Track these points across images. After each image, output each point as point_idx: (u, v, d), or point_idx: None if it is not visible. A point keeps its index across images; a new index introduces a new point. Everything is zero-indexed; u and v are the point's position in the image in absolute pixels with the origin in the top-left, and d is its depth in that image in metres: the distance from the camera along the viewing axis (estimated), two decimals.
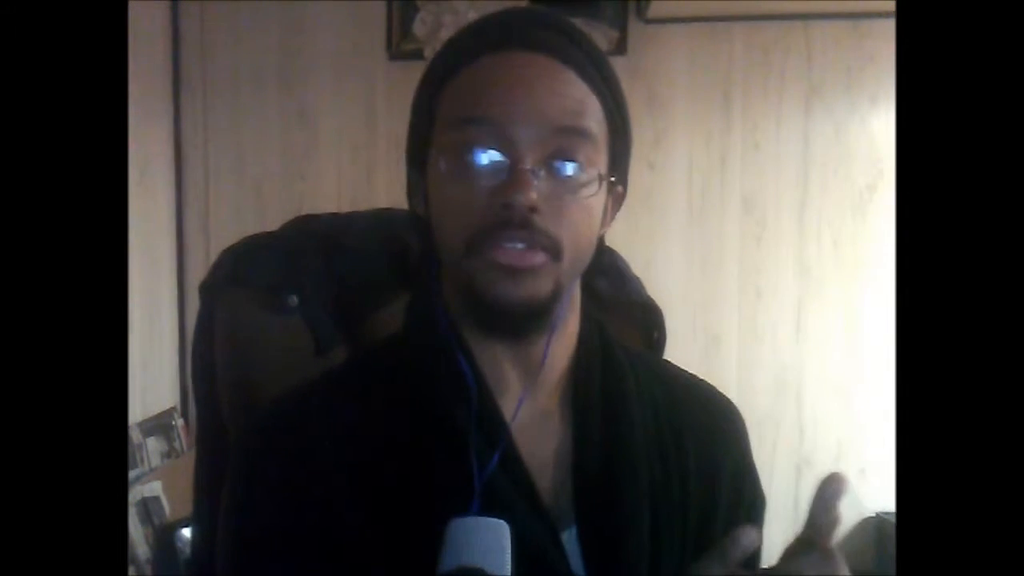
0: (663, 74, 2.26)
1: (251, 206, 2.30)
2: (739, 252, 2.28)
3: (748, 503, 0.74)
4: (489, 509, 0.59)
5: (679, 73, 2.26)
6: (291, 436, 0.65)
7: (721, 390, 0.78)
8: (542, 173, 0.62)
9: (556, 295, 0.64)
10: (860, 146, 2.24)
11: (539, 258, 0.62)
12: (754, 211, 2.28)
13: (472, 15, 2.15)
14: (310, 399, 0.68)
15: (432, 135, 0.66)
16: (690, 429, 0.72)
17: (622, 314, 0.85)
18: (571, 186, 0.63)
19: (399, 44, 2.22)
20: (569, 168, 0.63)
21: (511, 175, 0.61)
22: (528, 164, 0.61)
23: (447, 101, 0.65)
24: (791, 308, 2.28)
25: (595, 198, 0.64)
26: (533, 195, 0.60)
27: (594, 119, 0.65)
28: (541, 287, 0.62)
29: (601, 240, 0.71)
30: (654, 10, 2.16)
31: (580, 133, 0.63)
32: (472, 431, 0.63)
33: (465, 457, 0.61)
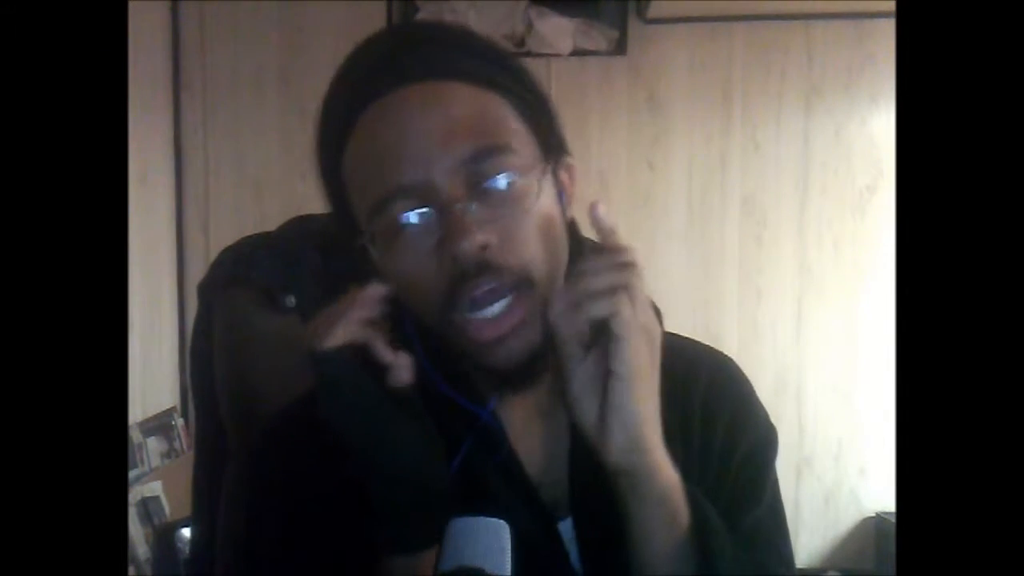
0: (663, 74, 2.26)
1: (251, 206, 2.30)
2: (739, 252, 2.29)
3: (746, 449, 0.69)
4: (486, 505, 0.59)
5: (679, 73, 2.27)
6: (297, 442, 0.64)
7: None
8: (476, 202, 0.57)
9: (546, 332, 0.59)
10: (860, 146, 2.25)
11: (518, 313, 0.58)
12: (754, 211, 2.28)
13: (472, 14, 2.16)
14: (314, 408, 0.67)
15: (350, 194, 0.62)
16: (691, 405, 0.69)
17: None
18: (511, 199, 0.58)
19: None
20: (501, 182, 0.58)
21: (447, 222, 0.56)
22: (460, 202, 0.56)
23: (352, 185, 0.61)
24: (791, 308, 2.28)
25: (543, 196, 0.60)
26: (476, 236, 0.56)
27: (507, 123, 0.60)
28: (531, 338, 0.59)
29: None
30: (654, 10, 2.16)
31: (499, 149, 0.58)
32: (471, 436, 0.62)
33: (464, 459, 0.61)
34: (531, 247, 0.59)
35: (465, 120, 0.58)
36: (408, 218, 0.57)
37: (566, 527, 0.64)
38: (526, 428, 0.66)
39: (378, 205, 0.58)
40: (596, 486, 0.62)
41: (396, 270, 0.59)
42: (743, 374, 0.74)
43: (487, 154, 0.58)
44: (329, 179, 0.64)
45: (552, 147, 0.63)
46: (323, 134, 0.63)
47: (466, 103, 0.59)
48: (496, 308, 0.58)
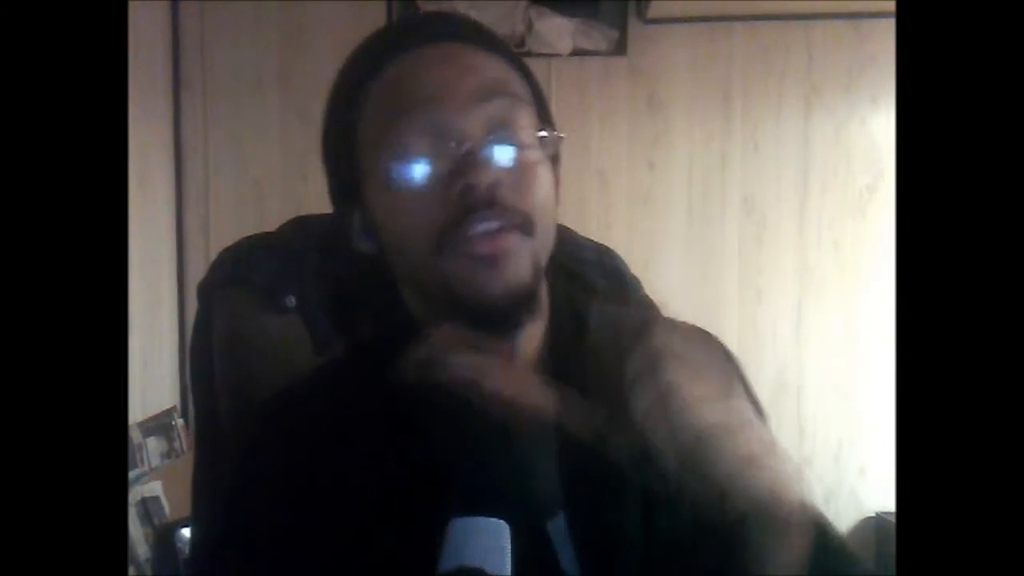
0: (663, 74, 2.26)
1: (251, 206, 2.30)
2: (739, 252, 2.29)
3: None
4: (473, 504, 0.59)
5: (679, 73, 2.27)
6: (287, 430, 0.64)
7: None
8: (490, 146, 0.61)
9: (537, 278, 0.62)
10: (860, 146, 2.25)
11: (514, 238, 0.60)
12: (754, 211, 2.28)
13: (472, 14, 2.15)
14: (305, 395, 0.67)
15: (360, 157, 0.65)
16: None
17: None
18: (522, 158, 0.62)
19: None
20: (513, 137, 0.62)
21: (463, 157, 0.59)
22: (476, 141, 0.60)
23: (371, 106, 0.64)
24: (791, 308, 2.28)
25: (544, 165, 0.64)
26: (492, 171, 0.59)
27: (516, 83, 0.65)
28: (521, 271, 0.61)
29: (604, 246, 0.71)
30: (654, 10, 2.16)
31: (512, 96, 0.63)
32: (460, 436, 0.62)
33: (451, 460, 0.61)
34: (536, 203, 0.62)
35: (483, 71, 0.63)
36: (423, 149, 0.60)
37: (555, 527, 0.64)
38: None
39: (393, 116, 0.61)
40: (588, 483, 0.62)
41: (398, 200, 0.62)
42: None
43: (502, 98, 0.62)
44: (338, 138, 0.67)
45: (541, 118, 0.67)
46: (342, 86, 0.68)
47: (483, 61, 0.64)
48: (496, 227, 0.60)
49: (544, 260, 0.65)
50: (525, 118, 0.63)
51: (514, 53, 0.68)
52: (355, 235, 0.69)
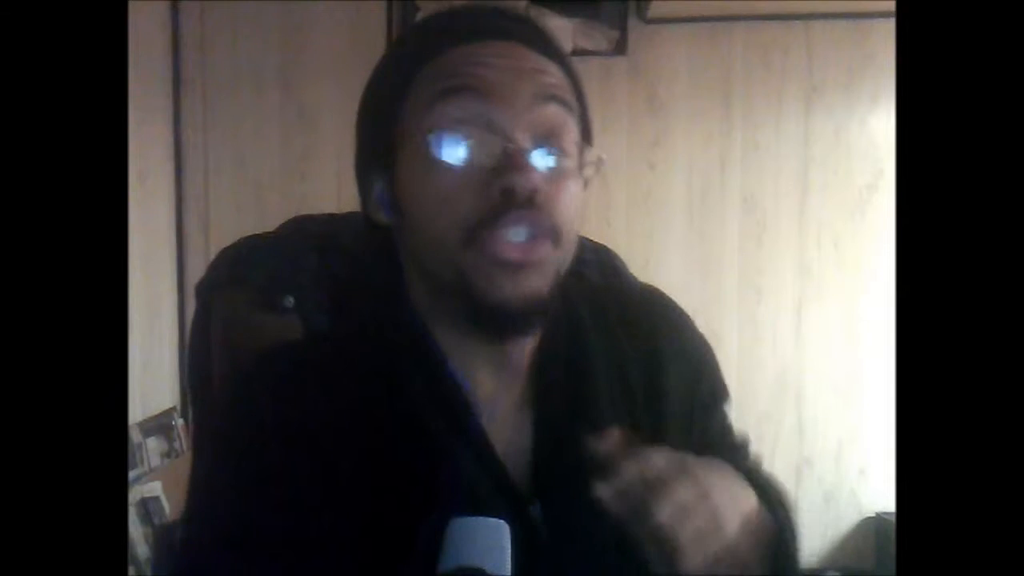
0: (663, 74, 2.26)
1: (251, 206, 2.30)
2: (739, 252, 2.28)
3: (701, 402, 0.72)
4: (460, 498, 0.59)
5: (679, 73, 2.26)
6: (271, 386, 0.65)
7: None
8: (535, 153, 0.60)
9: (554, 291, 0.62)
10: (860, 146, 2.24)
11: (544, 249, 0.60)
12: (754, 211, 2.28)
13: None
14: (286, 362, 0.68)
15: (397, 129, 0.64)
16: (655, 375, 0.69)
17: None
18: (562, 168, 0.62)
19: None
20: (559, 148, 0.62)
21: (507, 156, 0.59)
22: (523, 143, 0.60)
23: (425, 82, 0.63)
24: (791, 308, 2.28)
25: (578, 179, 0.64)
26: (535, 176, 0.59)
27: (569, 94, 0.65)
28: (543, 282, 0.61)
29: (604, 246, 0.71)
30: (654, 10, 2.16)
31: (564, 105, 0.63)
32: (451, 435, 0.62)
33: (439, 457, 0.61)
34: (567, 217, 0.62)
35: (542, 75, 0.63)
36: (468, 138, 0.60)
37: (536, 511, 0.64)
38: (503, 419, 0.66)
39: (441, 93, 0.61)
40: (561, 476, 0.62)
41: (432, 183, 0.61)
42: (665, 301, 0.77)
43: (556, 105, 0.62)
44: (380, 111, 0.66)
45: (584, 137, 0.67)
46: (396, 62, 0.67)
47: (544, 66, 0.64)
48: (526, 236, 0.59)
49: (563, 272, 0.65)
50: (572, 130, 0.63)
51: (570, 62, 0.68)
52: (372, 205, 0.68)
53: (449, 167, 0.60)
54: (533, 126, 0.61)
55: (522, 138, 0.60)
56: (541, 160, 0.61)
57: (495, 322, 0.62)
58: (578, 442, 0.62)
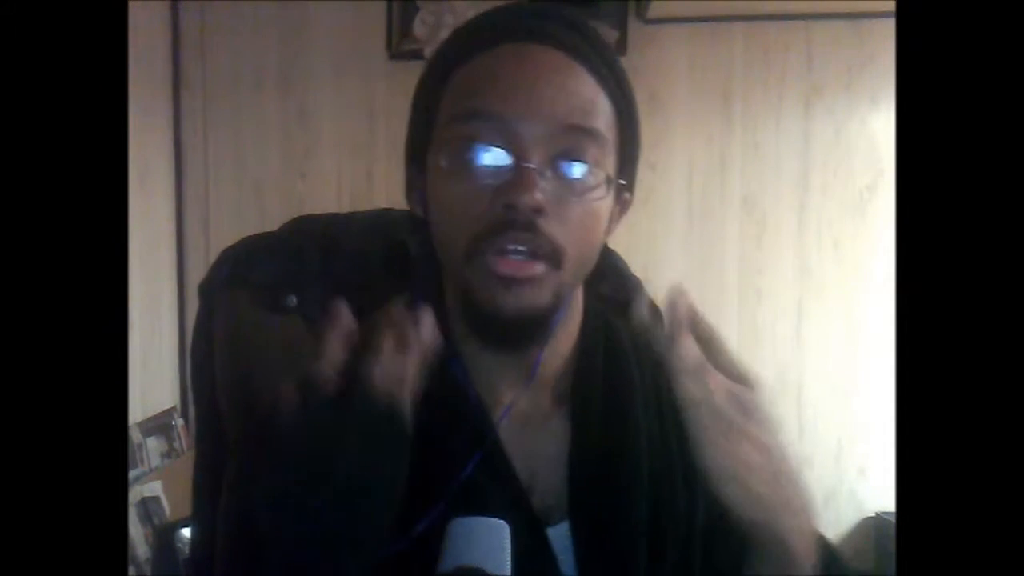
0: (663, 74, 2.26)
1: (251, 206, 2.30)
2: (739, 252, 2.28)
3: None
4: (468, 507, 0.59)
5: (679, 73, 2.26)
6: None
7: None
8: (548, 174, 0.60)
9: (555, 305, 0.62)
10: (860, 146, 2.24)
11: (538, 268, 0.60)
12: (754, 211, 2.28)
13: (473, 15, 2.15)
14: None
15: (433, 131, 0.64)
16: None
17: (620, 315, 0.85)
18: (578, 189, 0.61)
19: (399, 44, 2.22)
20: (576, 169, 0.61)
21: (515, 174, 0.59)
22: (534, 163, 0.59)
23: (451, 94, 0.63)
24: (791, 308, 2.28)
25: (602, 202, 0.63)
26: (539, 196, 0.58)
27: (604, 119, 0.63)
28: (539, 297, 0.61)
29: (604, 246, 0.70)
30: (654, 10, 2.16)
31: (589, 133, 0.61)
32: (461, 440, 0.63)
33: (449, 461, 0.61)
34: (574, 239, 0.61)
35: (576, 98, 0.61)
36: (481, 154, 0.60)
37: (558, 533, 0.64)
38: (522, 432, 0.66)
39: (462, 116, 0.61)
40: (595, 489, 0.62)
41: (445, 193, 0.62)
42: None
43: (581, 133, 0.61)
44: (420, 108, 0.66)
45: (625, 170, 0.67)
46: (436, 62, 0.66)
47: (581, 85, 0.62)
48: (522, 257, 0.59)
49: (571, 290, 0.65)
50: (595, 154, 0.61)
51: (620, 78, 0.65)
52: (413, 199, 0.69)
53: (460, 180, 0.61)
54: (550, 147, 0.60)
55: (535, 157, 0.59)
56: (552, 183, 0.60)
57: (496, 330, 0.62)
58: (615, 462, 0.64)
